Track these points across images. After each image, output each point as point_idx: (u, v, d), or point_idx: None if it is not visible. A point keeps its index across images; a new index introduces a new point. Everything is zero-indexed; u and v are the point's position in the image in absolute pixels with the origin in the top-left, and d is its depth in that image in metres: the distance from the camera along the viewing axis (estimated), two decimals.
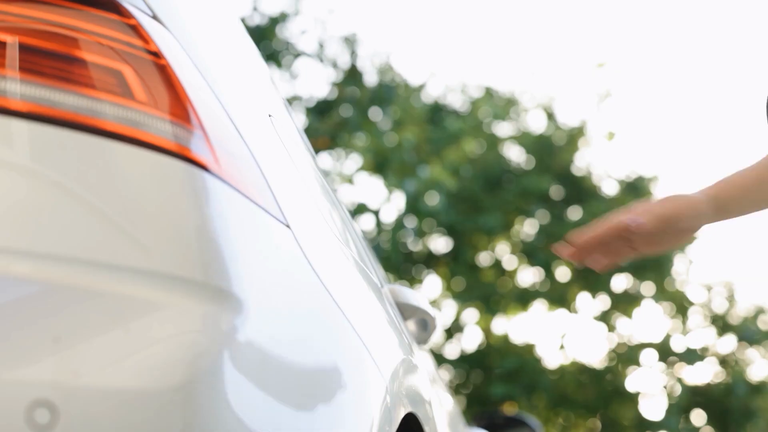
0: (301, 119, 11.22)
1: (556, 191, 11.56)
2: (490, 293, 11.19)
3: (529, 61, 17.92)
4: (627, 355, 11.68)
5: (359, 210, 10.68)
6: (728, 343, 12.04)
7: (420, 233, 11.12)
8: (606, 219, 1.48)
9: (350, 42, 11.79)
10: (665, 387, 11.81)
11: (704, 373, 11.93)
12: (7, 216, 0.78)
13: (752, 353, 12.14)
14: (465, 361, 11.71)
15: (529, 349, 11.50)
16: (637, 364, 11.68)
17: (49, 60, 0.84)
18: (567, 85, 15.35)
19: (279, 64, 11.49)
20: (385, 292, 1.67)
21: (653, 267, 11.36)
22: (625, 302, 11.73)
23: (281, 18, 11.55)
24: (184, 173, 0.86)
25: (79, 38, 0.86)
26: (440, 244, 11.67)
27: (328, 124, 11.05)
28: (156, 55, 0.89)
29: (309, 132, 10.65)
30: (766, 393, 11.78)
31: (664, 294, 11.72)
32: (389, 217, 10.96)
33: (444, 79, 13.16)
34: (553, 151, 11.49)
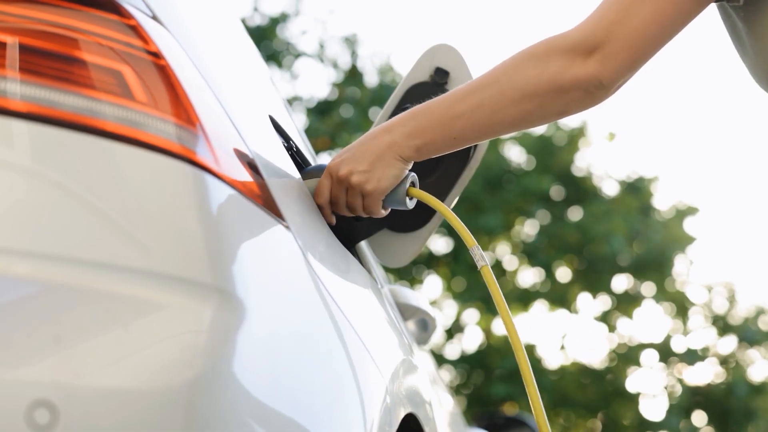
0: (301, 119, 11.22)
1: (556, 192, 11.56)
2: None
3: None
4: (627, 356, 11.68)
5: None
6: (729, 344, 12.05)
7: None
8: None
9: (350, 42, 11.79)
10: (666, 387, 11.82)
11: (705, 374, 11.95)
12: (8, 216, 0.78)
13: (753, 354, 12.14)
14: (465, 362, 11.71)
15: (529, 349, 11.50)
16: (638, 364, 11.69)
17: (49, 60, 0.84)
18: None
19: (279, 65, 11.50)
20: (385, 293, 1.67)
21: (654, 267, 11.36)
22: (626, 302, 11.74)
23: (282, 18, 11.55)
24: (184, 173, 0.86)
25: (79, 39, 0.86)
26: (441, 244, 11.67)
27: (328, 125, 11.04)
28: (156, 55, 0.89)
29: (309, 132, 10.65)
30: (766, 393, 11.78)
31: (664, 294, 11.72)
32: None
33: None
34: (553, 151, 11.49)
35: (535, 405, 1.27)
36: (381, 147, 1.33)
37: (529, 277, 11.90)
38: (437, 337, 11.19)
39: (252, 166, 1.00)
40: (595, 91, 1.30)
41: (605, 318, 11.74)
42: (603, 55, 1.27)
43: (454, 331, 11.83)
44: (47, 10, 0.86)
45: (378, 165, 1.32)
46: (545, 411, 1.28)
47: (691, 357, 11.68)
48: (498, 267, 11.71)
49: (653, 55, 1.30)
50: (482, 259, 1.33)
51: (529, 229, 11.81)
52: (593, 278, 11.49)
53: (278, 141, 1.27)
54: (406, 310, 1.99)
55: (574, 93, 1.30)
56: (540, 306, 11.80)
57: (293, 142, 1.41)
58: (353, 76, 11.71)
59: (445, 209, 1.35)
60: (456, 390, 11.48)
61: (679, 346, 11.75)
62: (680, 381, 11.84)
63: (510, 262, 11.94)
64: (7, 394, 0.72)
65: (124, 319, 0.78)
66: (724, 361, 11.98)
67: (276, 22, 11.52)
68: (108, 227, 0.80)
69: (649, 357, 11.68)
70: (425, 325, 2.27)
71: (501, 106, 1.31)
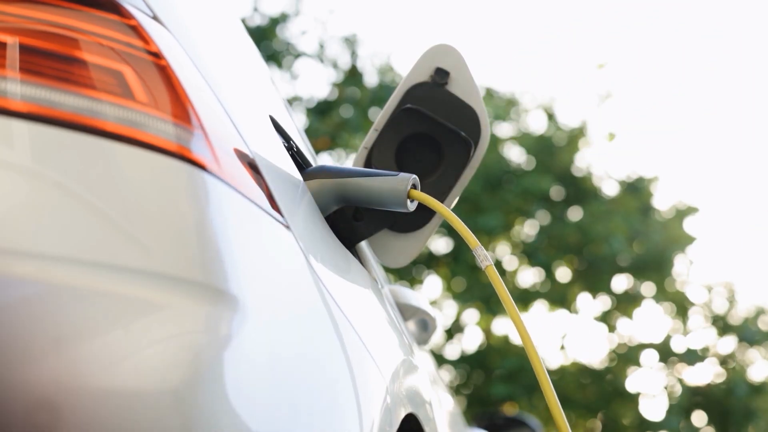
0: (301, 119, 11.22)
1: (556, 192, 11.56)
2: (490, 294, 11.20)
3: (530, 62, 17.93)
4: (627, 356, 11.68)
5: None
6: (729, 344, 12.05)
7: None
8: None
9: (350, 42, 11.79)
10: (666, 387, 11.81)
11: (705, 374, 11.94)
12: (8, 216, 0.78)
13: (753, 354, 12.14)
14: (465, 362, 11.71)
15: None
16: (638, 364, 11.68)
17: (49, 60, 0.84)
18: (567, 85, 15.34)
19: (279, 65, 11.50)
20: (385, 293, 1.67)
21: (654, 267, 11.36)
22: (626, 303, 11.74)
23: (282, 18, 11.56)
24: (185, 173, 0.86)
25: (79, 39, 0.86)
26: (441, 244, 11.67)
27: (328, 125, 11.04)
28: (156, 55, 0.90)
29: (309, 132, 10.65)
30: (766, 393, 11.78)
31: (664, 294, 11.72)
32: None
33: None
34: (553, 151, 11.49)
35: (551, 401, 1.27)
36: None
37: (529, 277, 11.90)
38: (437, 337, 11.20)
39: (252, 166, 1.00)
40: None
41: (605, 318, 11.73)
42: None
43: (454, 331, 11.83)
44: (47, 10, 0.86)
45: None
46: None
47: (691, 357, 11.68)
48: (498, 267, 11.69)
49: None
50: (486, 259, 1.32)
51: (529, 229, 11.80)
52: (593, 278, 11.49)
53: (278, 141, 1.27)
54: (406, 310, 1.99)
55: None
56: (540, 306, 11.80)
57: (293, 142, 1.41)
58: (353, 76, 11.71)
59: (447, 212, 1.35)
60: (456, 390, 11.48)
61: (679, 346, 11.75)
62: (680, 381, 11.84)
63: (510, 262, 11.94)
64: (8, 394, 0.72)
65: (124, 319, 0.78)
66: (724, 361, 11.98)
67: (276, 22, 11.52)
68: (108, 227, 0.80)
69: (649, 357, 11.68)
70: (425, 325, 2.27)
71: None
